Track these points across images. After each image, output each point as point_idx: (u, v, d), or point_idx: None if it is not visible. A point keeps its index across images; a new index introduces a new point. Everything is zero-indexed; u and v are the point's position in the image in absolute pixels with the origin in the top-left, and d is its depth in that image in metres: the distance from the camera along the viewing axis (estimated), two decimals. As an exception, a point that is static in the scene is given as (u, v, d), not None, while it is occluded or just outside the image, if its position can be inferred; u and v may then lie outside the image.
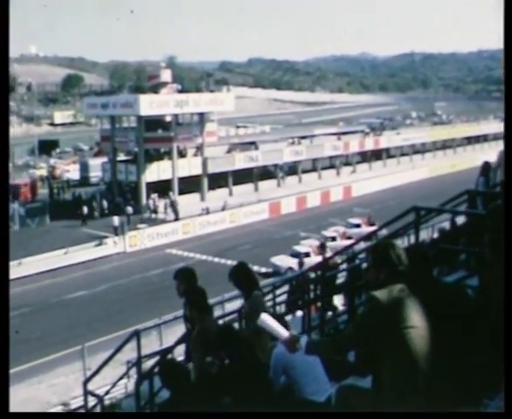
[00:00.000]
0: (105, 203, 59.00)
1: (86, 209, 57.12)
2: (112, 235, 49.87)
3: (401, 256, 4.84)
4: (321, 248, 35.52)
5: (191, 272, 8.15)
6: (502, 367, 3.87)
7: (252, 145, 72.70)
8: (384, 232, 11.43)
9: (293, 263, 40.47)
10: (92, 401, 11.46)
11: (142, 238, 50.52)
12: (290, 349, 5.37)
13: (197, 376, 6.98)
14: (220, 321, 10.69)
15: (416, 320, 4.60)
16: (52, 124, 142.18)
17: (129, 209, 56.76)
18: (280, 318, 8.12)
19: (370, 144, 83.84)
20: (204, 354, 7.08)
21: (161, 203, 58.72)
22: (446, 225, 15.43)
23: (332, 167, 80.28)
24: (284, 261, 41.61)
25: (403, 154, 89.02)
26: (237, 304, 15.63)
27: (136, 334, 10.58)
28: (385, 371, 4.69)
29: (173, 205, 58.20)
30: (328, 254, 25.88)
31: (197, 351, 7.48)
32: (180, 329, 11.37)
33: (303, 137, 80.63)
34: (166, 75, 67.23)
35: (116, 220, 52.13)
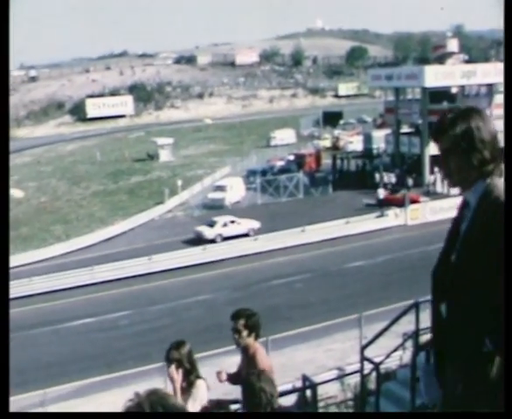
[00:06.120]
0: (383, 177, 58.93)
1: (378, 177, 57.63)
2: (394, 208, 49.66)
3: None
4: None
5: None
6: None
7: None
8: None
9: None
10: (367, 369, 11.49)
11: (424, 212, 49.70)
12: None
13: None
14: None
15: None
16: (337, 96, 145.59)
17: (410, 182, 56.41)
18: None
19: None
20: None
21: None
22: None
23: None
24: None
25: None
26: None
27: (416, 306, 10.43)
28: None
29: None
30: None
31: None
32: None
33: None
34: (452, 45, 65.75)
35: (381, 193, 51.80)
